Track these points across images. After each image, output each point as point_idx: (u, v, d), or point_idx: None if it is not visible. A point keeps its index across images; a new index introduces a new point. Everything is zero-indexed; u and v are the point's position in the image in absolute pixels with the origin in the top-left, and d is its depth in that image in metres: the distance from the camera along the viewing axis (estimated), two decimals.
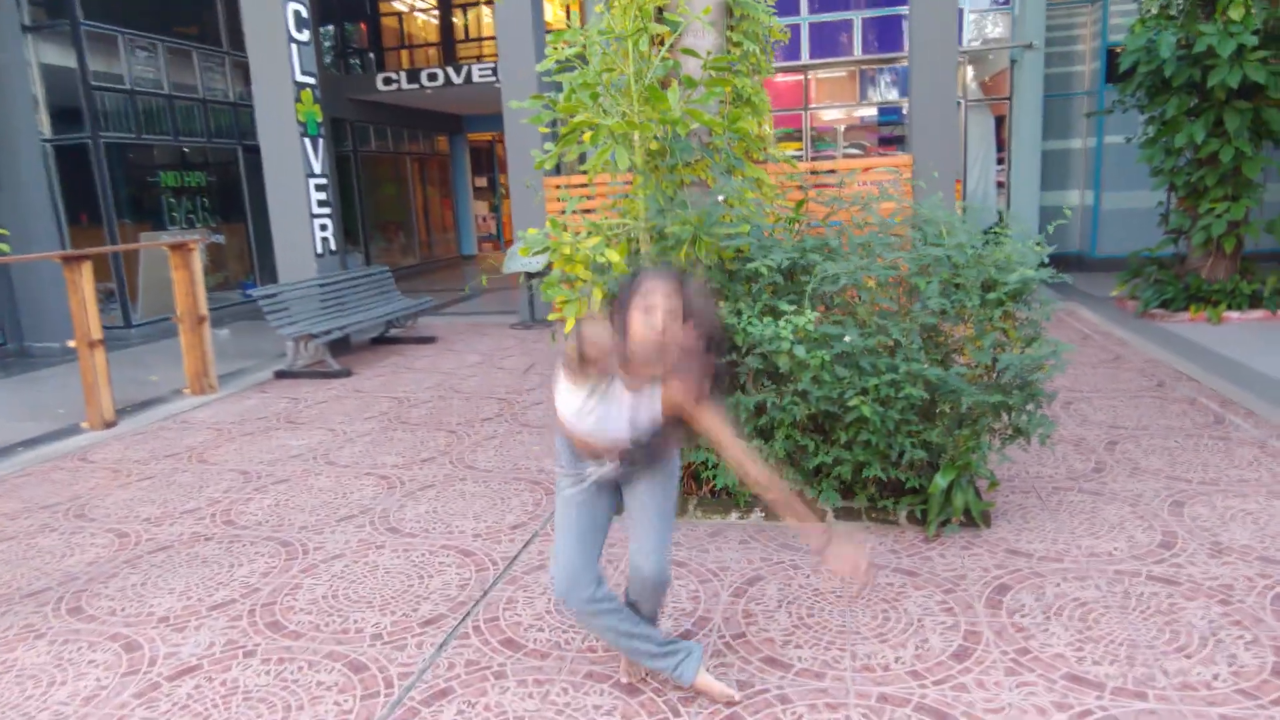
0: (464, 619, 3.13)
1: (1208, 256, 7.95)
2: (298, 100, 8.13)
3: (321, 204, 8.38)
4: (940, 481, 3.39)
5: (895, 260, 3.45)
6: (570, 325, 3.74)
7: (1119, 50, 8.27)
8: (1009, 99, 12.17)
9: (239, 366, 8.12)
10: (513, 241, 9.93)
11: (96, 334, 6.13)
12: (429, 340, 9.10)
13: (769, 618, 3.02)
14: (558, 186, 9.80)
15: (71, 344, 6.11)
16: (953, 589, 3.15)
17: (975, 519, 3.55)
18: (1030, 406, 3.46)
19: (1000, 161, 12.56)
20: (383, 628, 3.10)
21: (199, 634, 3.12)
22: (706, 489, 3.96)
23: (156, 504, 4.53)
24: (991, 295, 3.41)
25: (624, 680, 2.67)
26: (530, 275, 9.76)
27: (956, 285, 3.40)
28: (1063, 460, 4.40)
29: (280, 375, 7.67)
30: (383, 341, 9.14)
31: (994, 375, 3.48)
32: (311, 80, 8.30)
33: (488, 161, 20.22)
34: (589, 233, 3.85)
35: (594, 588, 2.39)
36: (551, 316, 3.89)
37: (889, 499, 3.63)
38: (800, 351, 3.29)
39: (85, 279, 6.05)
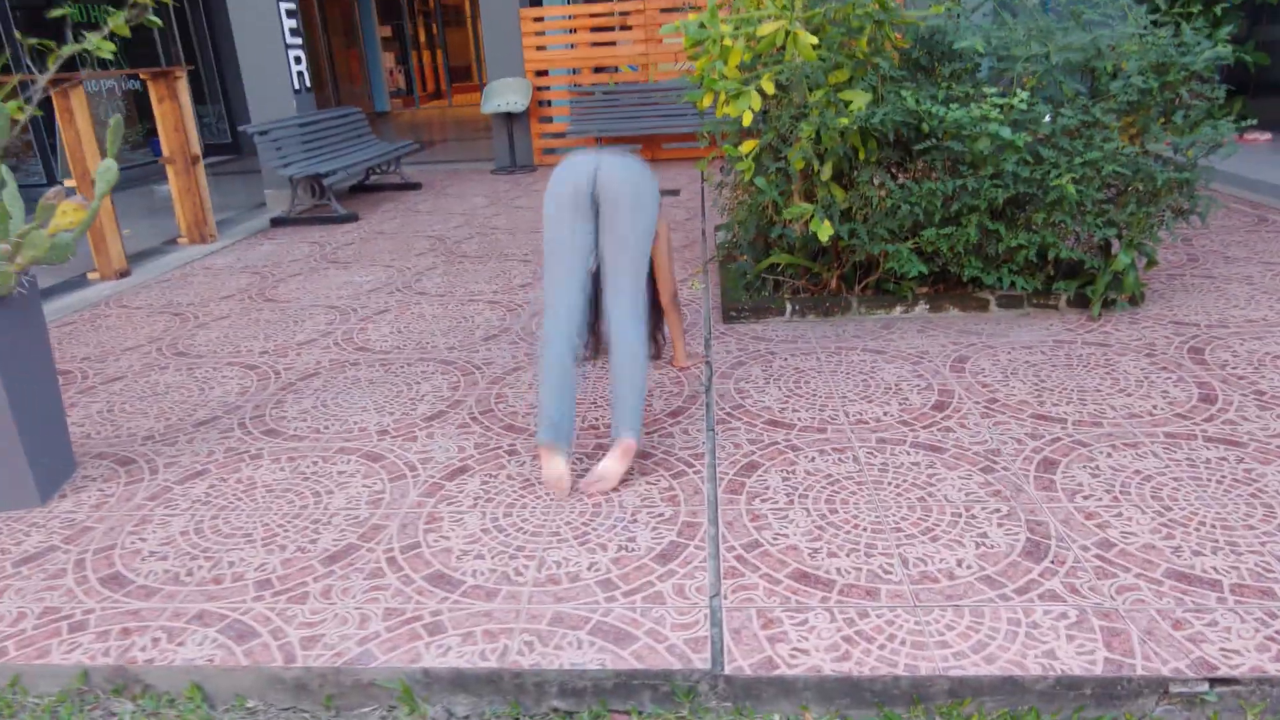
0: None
1: None
2: None
3: (294, 32, 7.57)
4: (1124, 258, 3.56)
5: (1090, 41, 3.47)
6: (748, 120, 3.61)
7: None
8: None
9: (220, 217, 7.44)
10: (487, 83, 9.34)
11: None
12: (414, 186, 8.58)
13: (1007, 387, 3.15)
14: (535, 19, 9.24)
15: (70, 184, 5.42)
16: (1152, 354, 3.37)
17: (1136, 297, 3.77)
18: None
19: None
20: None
21: (436, 441, 2.99)
22: (861, 287, 4.01)
23: (260, 339, 4.20)
24: (1171, 76, 3.50)
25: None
26: (510, 116, 9.27)
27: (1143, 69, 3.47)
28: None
29: (277, 222, 7.10)
30: (364, 189, 8.55)
31: (1161, 158, 3.62)
32: None
33: (394, 7, 18.64)
34: (757, 18, 3.66)
35: None
36: (722, 111, 3.72)
37: (1060, 281, 3.78)
38: (1006, 133, 3.31)
39: (79, 110, 5.32)
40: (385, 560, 2.31)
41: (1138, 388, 3.08)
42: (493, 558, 2.30)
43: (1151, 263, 3.82)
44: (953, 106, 3.43)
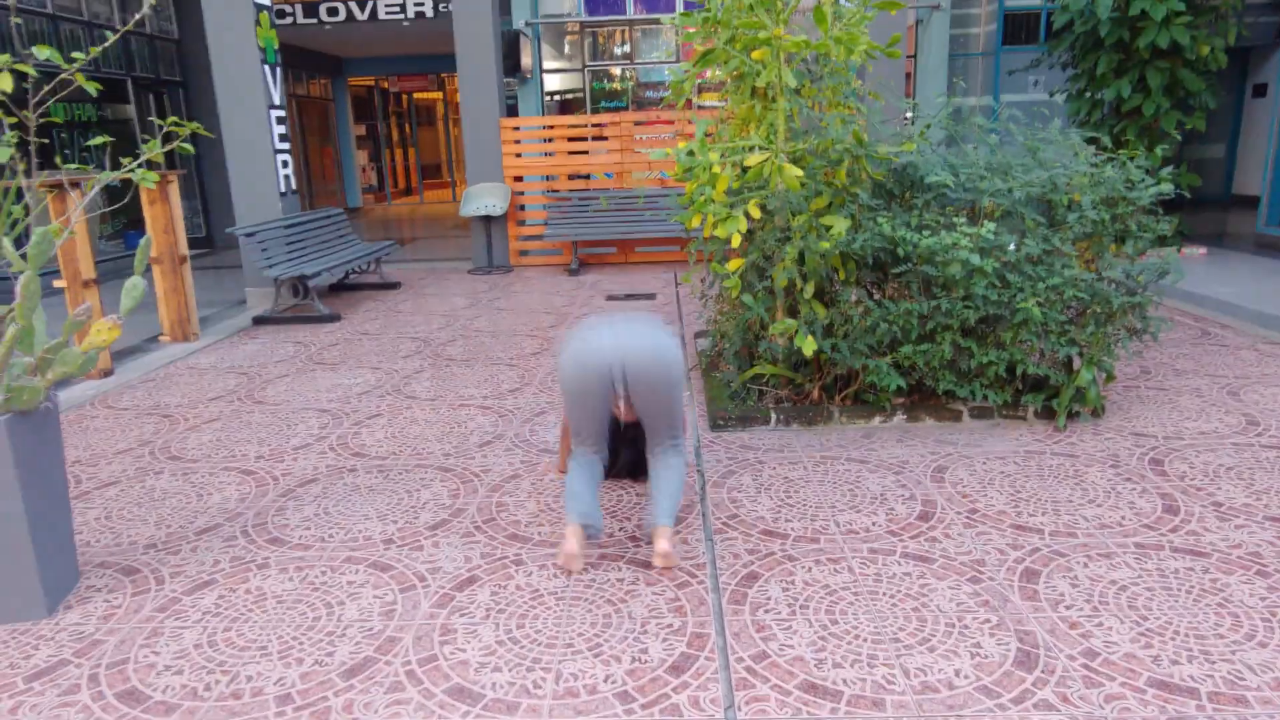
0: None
1: None
2: (256, 24, 7.51)
3: (283, 138, 7.82)
4: (1086, 375, 3.82)
5: (1047, 178, 3.81)
6: (736, 241, 3.86)
7: (1049, 11, 9.09)
8: (913, 57, 13.00)
9: (199, 314, 7.50)
10: (465, 185, 9.67)
11: (89, 273, 5.54)
12: (393, 286, 8.75)
13: (985, 497, 3.34)
14: (515, 128, 9.65)
15: (59, 284, 5.49)
16: (1116, 465, 3.60)
17: (1098, 410, 4.03)
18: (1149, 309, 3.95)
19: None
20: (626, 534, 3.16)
21: (443, 550, 3.06)
22: (841, 397, 4.22)
23: (254, 443, 4.25)
24: (1120, 210, 3.85)
25: None
26: (489, 218, 9.57)
27: (1101, 201, 3.81)
28: None
29: (259, 321, 7.18)
30: (344, 288, 8.69)
31: (1116, 283, 3.94)
32: (268, 1, 7.68)
33: (368, 108, 19.19)
34: (743, 148, 3.96)
35: None
36: (710, 231, 3.96)
37: (1027, 394, 4.03)
38: (976, 259, 3.60)
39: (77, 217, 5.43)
40: (404, 673, 2.37)
41: (1106, 498, 3.29)
42: (510, 670, 2.36)
43: (1110, 378, 4.09)
44: (925, 234, 3.72)
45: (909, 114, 4.59)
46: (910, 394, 4.23)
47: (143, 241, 2.85)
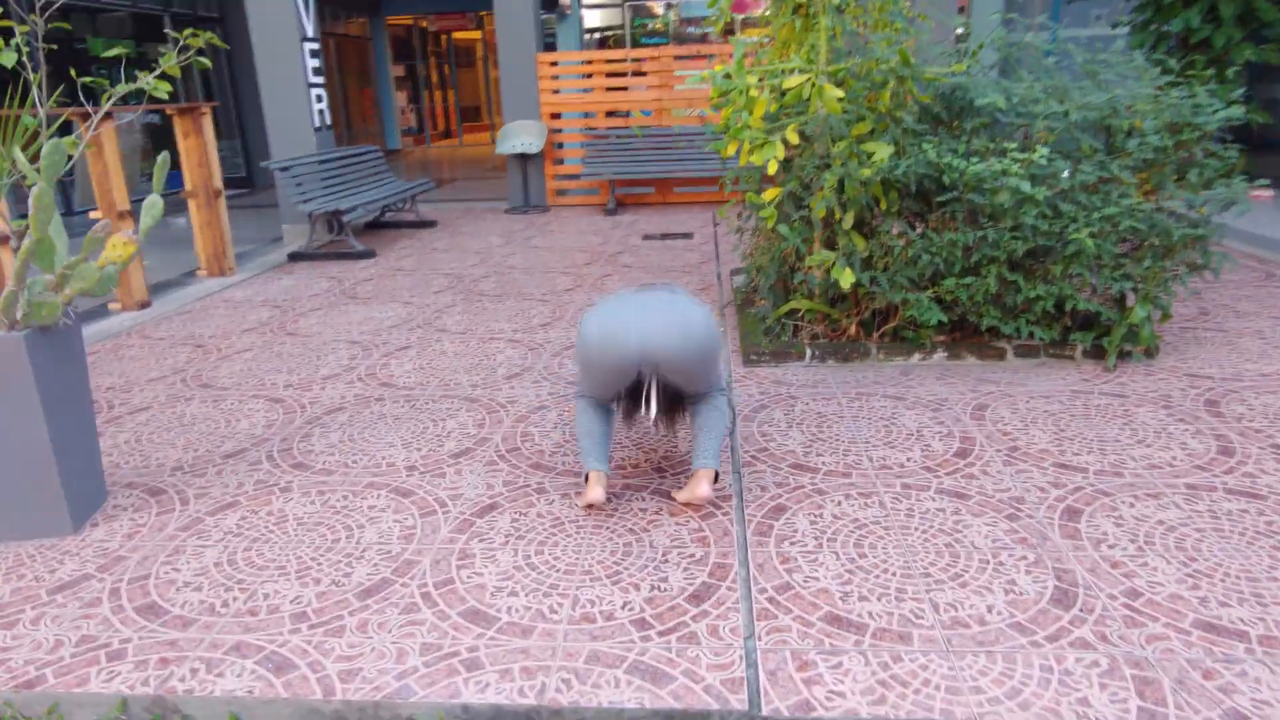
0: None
1: None
2: None
3: (317, 71, 7.73)
4: (1140, 312, 3.62)
5: (1106, 101, 3.57)
6: (773, 169, 3.70)
7: None
8: None
9: (237, 250, 7.53)
10: (503, 124, 9.51)
11: (124, 205, 5.55)
12: (429, 224, 8.69)
13: (1027, 435, 3.20)
14: (552, 64, 9.45)
15: (96, 215, 5.51)
16: (1168, 405, 3.42)
17: (1151, 350, 3.83)
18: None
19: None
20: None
21: (465, 477, 3.02)
22: (879, 334, 4.07)
23: (283, 372, 4.24)
24: (1185, 136, 3.60)
25: None
26: (525, 157, 9.43)
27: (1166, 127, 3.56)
28: None
29: (295, 257, 7.19)
30: (380, 226, 8.66)
31: (1176, 214, 3.71)
32: None
33: (407, 48, 18.98)
34: (782, 70, 3.77)
35: None
36: (746, 159, 3.80)
37: (1076, 332, 3.84)
38: (1026, 187, 3.39)
39: (108, 143, 5.43)
40: (420, 595, 2.34)
41: (1156, 438, 3.13)
42: (526, 595, 2.32)
43: (1166, 316, 3.88)
44: (973, 160, 3.52)
45: (960, 29, 4.35)
46: (951, 330, 4.06)
47: (160, 158, 2.79)
